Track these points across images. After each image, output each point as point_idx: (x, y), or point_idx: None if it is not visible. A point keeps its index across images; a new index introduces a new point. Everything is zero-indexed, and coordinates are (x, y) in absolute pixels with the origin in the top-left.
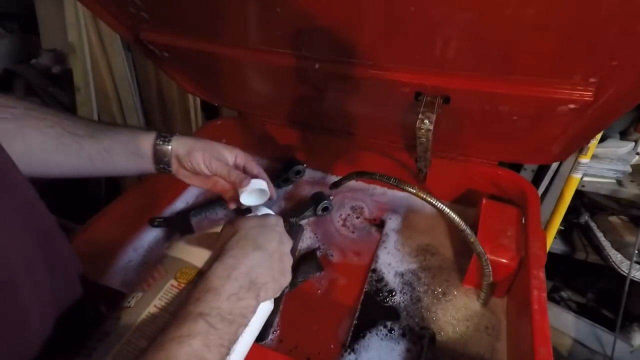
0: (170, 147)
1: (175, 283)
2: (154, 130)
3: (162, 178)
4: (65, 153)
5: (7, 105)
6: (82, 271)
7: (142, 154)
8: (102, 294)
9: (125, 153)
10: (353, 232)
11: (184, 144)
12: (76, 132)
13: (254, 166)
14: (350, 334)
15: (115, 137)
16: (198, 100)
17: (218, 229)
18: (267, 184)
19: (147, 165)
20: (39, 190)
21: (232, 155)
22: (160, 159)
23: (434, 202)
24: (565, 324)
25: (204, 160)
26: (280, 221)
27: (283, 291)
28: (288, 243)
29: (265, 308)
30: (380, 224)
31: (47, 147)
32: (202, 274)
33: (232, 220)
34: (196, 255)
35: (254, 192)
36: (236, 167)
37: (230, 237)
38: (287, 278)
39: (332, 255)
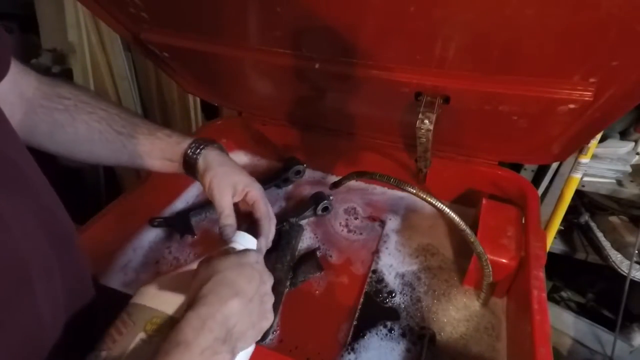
0: (198, 159)
1: (144, 336)
2: (190, 137)
3: (162, 178)
4: (108, 148)
5: (62, 96)
6: (94, 277)
7: (175, 160)
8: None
9: (161, 159)
10: (353, 232)
11: (206, 161)
12: (121, 130)
13: (260, 210)
14: (351, 334)
15: (155, 142)
16: (198, 100)
17: (193, 266)
18: (265, 232)
19: (181, 170)
20: None
21: (242, 192)
22: (189, 168)
23: (434, 202)
24: (565, 324)
25: (209, 186)
26: (261, 257)
27: (283, 291)
28: (269, 281)
29: (243, 355)
30: (380, 224)
31: (92, 140)
32: (174, 323)
33: (208, 260)
34: (168, 302)
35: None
36: (245, 202)
37: (205, 281)
38: (269, 319)
39: (331, 256)
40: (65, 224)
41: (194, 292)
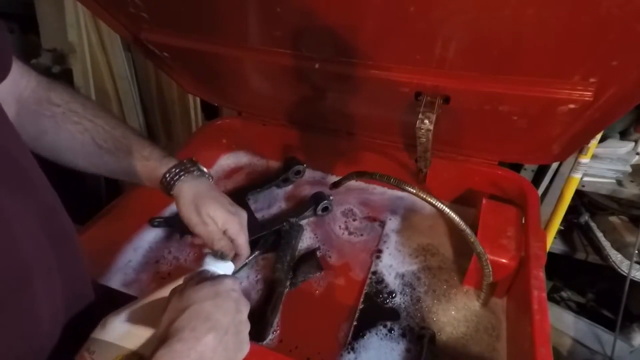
0: (173, 188)
1: None
2: (171, 160)
3: None
4: (88, 160)
5: (52, 102)
6: (93, 278)
7: (153, 184)
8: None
9: (140, 179)
10: (353, 233)
11: (182, 192)
12: (102, 144)
13: (240, 247)
14: (351, 334)
15: (133, 163)
16: (198, 100)
17: (163, 292)
18: (241, 261)
19: (158, 188)
20: None
21: (221, 229)
22: (165, 190)
23: (434, 202)
24: (565, 324)
25: (184, 212)
26: (237, 283)
27: (283, 291)
28: (245, 308)
29: None
30: (380, 224)
31: (74, 149)
32: None
33: (181, 290)
34: (134, 337)
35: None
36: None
37: (179, 314)
38: (245, 349)
39: (331, 256)
40: (66, 224)
41: (165, 325)
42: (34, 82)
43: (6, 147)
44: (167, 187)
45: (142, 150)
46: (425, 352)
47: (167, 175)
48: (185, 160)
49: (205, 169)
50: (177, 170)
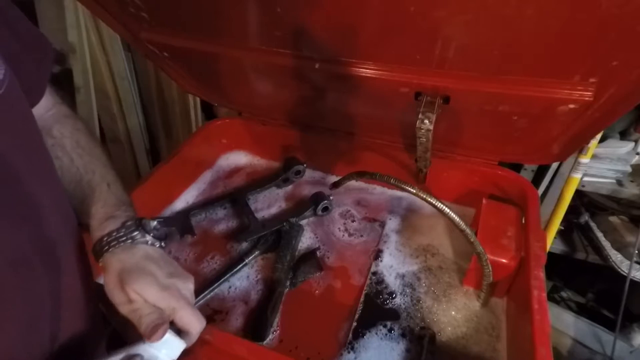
0: (103, 256)
1: None
2: (117, 222)
3: (162, 178)
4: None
5: (50, 134)
6: (92, 278)
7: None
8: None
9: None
10: (353, 233)
11: (109, 261)
12: (67, 185)
13: (183, 321)
14: (350, 334)
15: (83, 217)
16: (198, 100)
17: None
18: (192, 339)
19: None
20: None
21: (152, 301)
22: (95, 260)
23: (434, 202)
24: (565, 324)
25: (107, 290)
26: None
27: (283, 291)
28: None
29: None
30: (380, 224)
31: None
32: None
33: None
34: None
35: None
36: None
37: None
38: None
39: (331, 256)
40: (51, 224)
41: None
42: (51, 108)
43: (13, 170)
44: (96, 257)
45: (94, 205)
46: (425, 352)
47: (97, 245)
48: (129, 223)
49: (150, 234)
50: (108, 240)
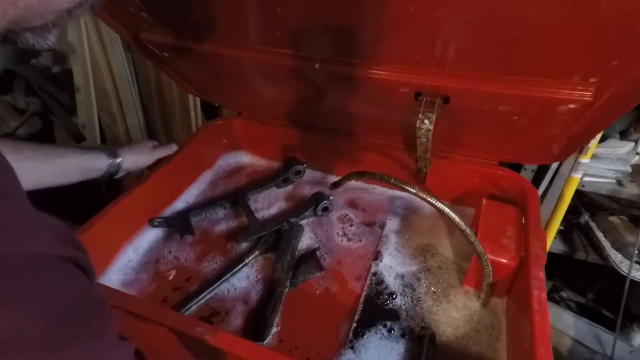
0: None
1: None
2: (105, 151)
3: (162, 178)
4: (27, 174)
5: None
6: None
7: (99, 169)
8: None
9: (88, 171)
10: (353, 233)
11: (129, 160)
12: (32, 155)
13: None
14: (350, 334)
15: (70, 160)
16: (198, 100)
17: None
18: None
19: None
20: (40, 191)
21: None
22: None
23: (434, 202)
24: (565, 324)
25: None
26: None
27: (283, 291)
28: None
29: None
30: (380, 224)
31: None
32: None
33: None
34: None
35: None
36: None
37: None
38: None
39: (331, 256)
40: None
41: None
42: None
43: None
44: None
45: (70, 149)
46: (425, 352)
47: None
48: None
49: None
50: (113, 151)
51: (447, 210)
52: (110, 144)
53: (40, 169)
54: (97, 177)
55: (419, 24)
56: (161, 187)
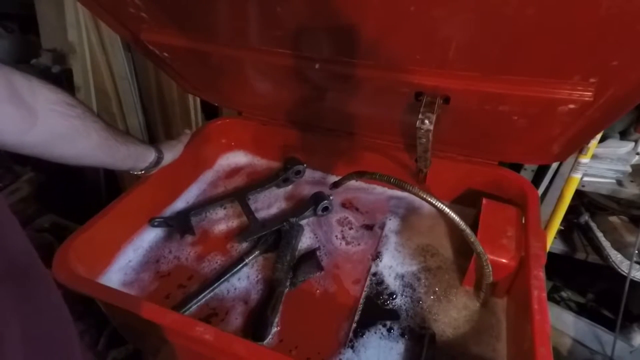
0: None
1: None
2: (152, 145)
3: (162, 178)
4: (109, 154)
5: (71, 104)
6: (59, 295)
7: (147, 161)
8: (104, 294)
9: (140, 161)
10: (353, 233)
11: (168, 156)
12: (117, 138)
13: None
14: (350, 334)
15: (134, 147)
16: (198, 100)
17: None
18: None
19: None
20: (40, 191)
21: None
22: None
23: (434, 202)
24: (565, 324)
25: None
26: None
27: (283, 291)
28: None
29: None
30: (380, 224)
31: (101, 146)
32: None
33: None
34: None
35: None
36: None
37: None
38: None
39: (331, 256)
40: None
41: None
42: (35, 83)
43: None
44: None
45: (133, 139)
46: (425, 352)
47: (158, 152)
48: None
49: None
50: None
51: (447, 210)
52: None
53: (118, 150)
54: (141, 169)
55: (419, 24)
56: (161, 187)
